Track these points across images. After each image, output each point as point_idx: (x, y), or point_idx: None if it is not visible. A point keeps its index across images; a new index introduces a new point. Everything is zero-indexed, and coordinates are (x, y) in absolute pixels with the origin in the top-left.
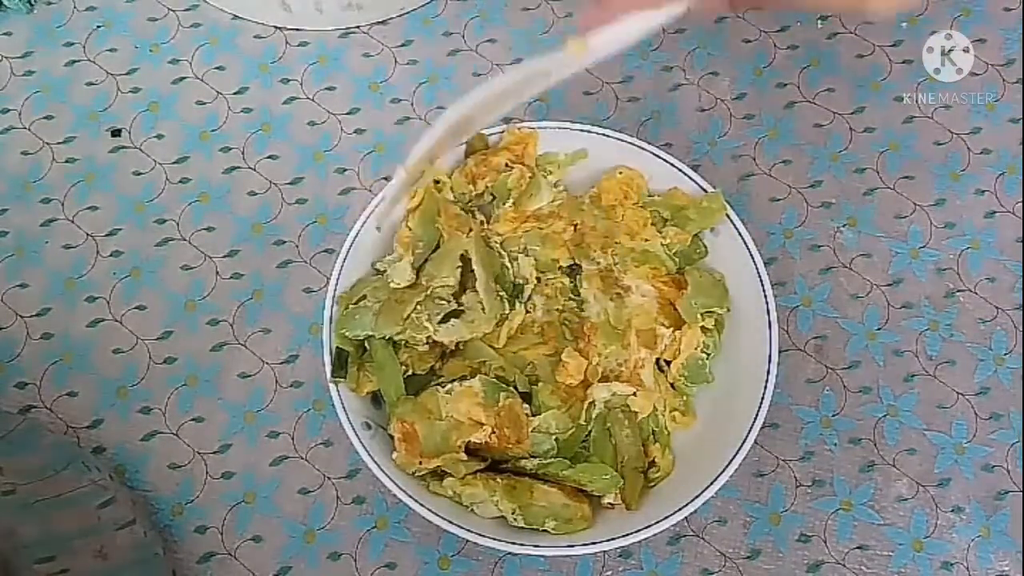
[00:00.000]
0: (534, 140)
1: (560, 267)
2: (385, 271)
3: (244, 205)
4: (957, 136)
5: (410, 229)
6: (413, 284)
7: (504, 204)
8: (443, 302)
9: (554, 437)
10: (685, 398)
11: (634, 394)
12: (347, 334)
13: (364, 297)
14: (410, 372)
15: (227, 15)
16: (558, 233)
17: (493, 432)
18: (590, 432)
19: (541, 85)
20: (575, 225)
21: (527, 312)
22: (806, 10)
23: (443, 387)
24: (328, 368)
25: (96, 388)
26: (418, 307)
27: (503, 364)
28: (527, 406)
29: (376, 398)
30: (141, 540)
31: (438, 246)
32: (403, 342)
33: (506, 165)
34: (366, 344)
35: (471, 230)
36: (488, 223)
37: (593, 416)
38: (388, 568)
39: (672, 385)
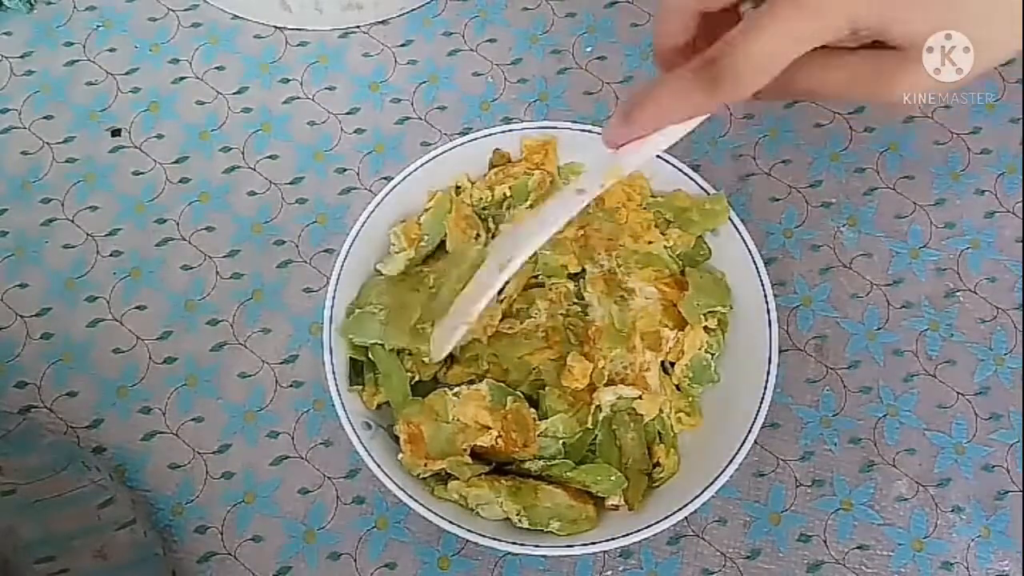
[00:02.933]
0: (553, 147)
1: (568, 273)
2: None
3: (244, 205)
4: (957, 136)
5: (419, 225)
6: (418, 288)
7: (520, 204)
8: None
9: (561, 441)
10: (690, 399)
11: (640, 397)
12: (354, 340)
13: (370, 303)
14: (416, 379)
15: (227, 15)
16: (569, 239)
17: (499, 436)
18: (596, 436)
19: (578, 205)
20: (582, 229)
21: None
22: (827, 99)
23: (451, 390)
24: (329, 368)
25: (96, 388)
26: (424, 313)
27: (497, 359)
28: (534, 410)
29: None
30: (141, 540)
31: (442, 244)
32: (408, 350)
33: (525, 174)
34: (369, 354)
35: (478, 235)
36: (498, 228)
37: (599, 419)
38: (388, 568)
39: (677, 386)
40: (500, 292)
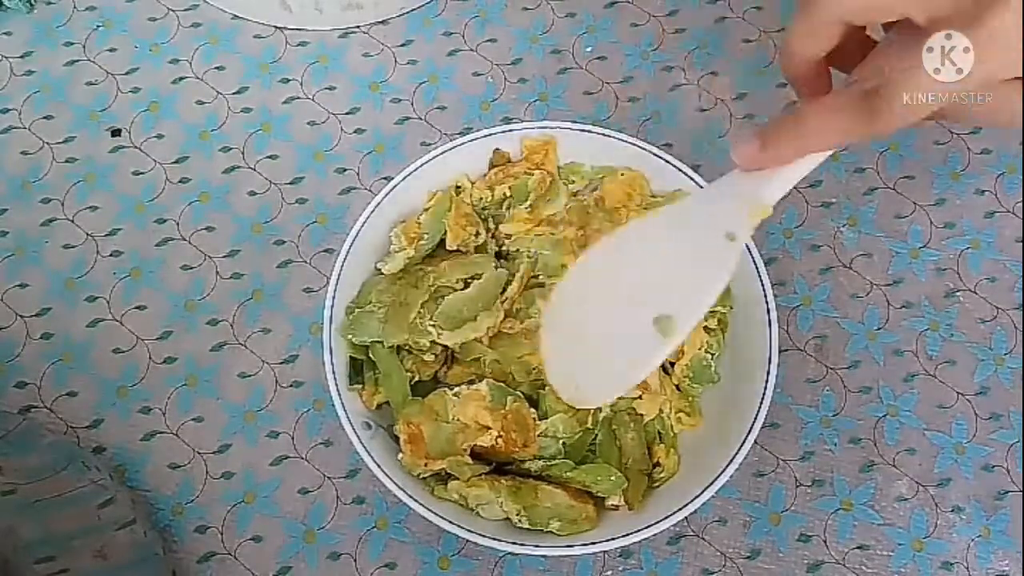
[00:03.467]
0: (553, 147)
1: None
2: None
3: (244, 205)
4: (957, 136)
5: (419, 224)
6: (418, 285)
7: (520, 205)
8: (442, 300)
9: (561, 441)
10: (691, 399)
11: (640, 397)
12: (353, 339)
13: (370, 301)
14: (416, 379)
15: (227, 15)
16: (569, 239)
17: (499, 436)
18: (596, 436)
19: (735, 253)
20: (582, 229)
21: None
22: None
23: (451, 390)
24: (329, 368)
25: (96, 388)
26: (422, 310)
27: (499, 359)
28: (534, 410)
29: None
30: (141, 540)
31: (442, 242)
32: (407, 348)
33: (526, 173)
34: (370, 353)
35: (478, 233)
36: (498, 228)
37: (599, 419)
38: (388, 568)
39: (677, 387)
40: (504, 292)
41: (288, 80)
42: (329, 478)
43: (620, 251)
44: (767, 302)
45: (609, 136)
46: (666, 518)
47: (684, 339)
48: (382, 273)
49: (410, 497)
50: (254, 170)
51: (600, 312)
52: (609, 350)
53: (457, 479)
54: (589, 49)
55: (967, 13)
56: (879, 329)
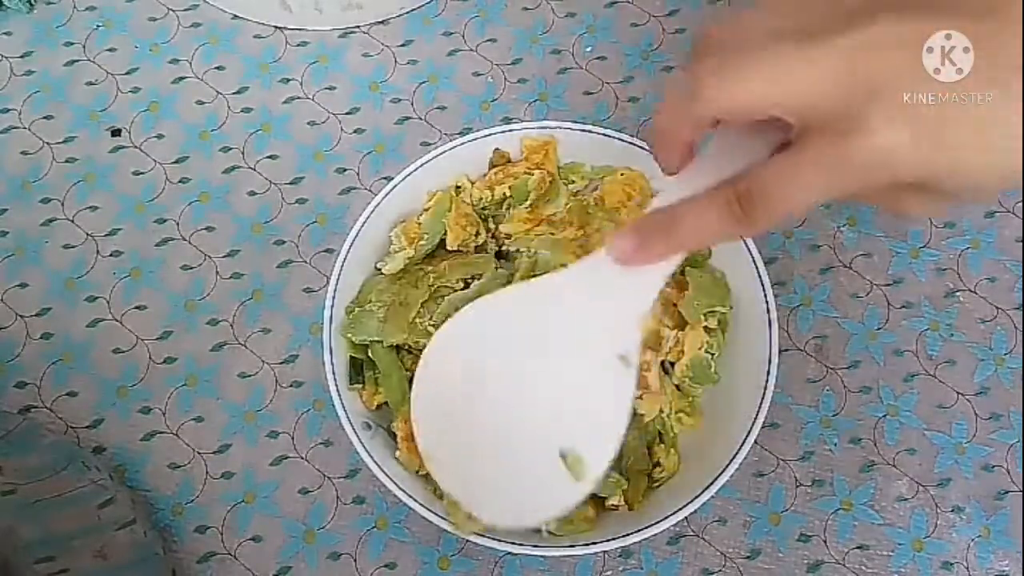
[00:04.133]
0: (553, 147)
1: None
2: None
3: (244, 205)
4: None
5: (419, 225)
6: (418, 284)
7: (520, 205)
8: (442, 300)
9: None
10: (691, 399)
11: (640, 397)
12: (353, 339)
13: (370, 301)
14: None
15: (227, 15)
16: (569, 239)
17: None
18: None
19: (632, 376)
20: (582, 229)
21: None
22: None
23: None
24: (329, 368)
25: (96, 388)
26: (422, 310)
27: None
28: None
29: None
30: (141, 540)
31: (442, 242)
32: (407, 347)
33: (526, 173)
34: (369, 353)
35: (478, 233)
36: (498, 228)
37: None
38: (388, 568)
39: (677, 387)
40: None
41: (288, 80)
42: (329, 478)
43: (502, 342)
44: (767, 302)
45: (609, 136)
46: (666, 518)
47: (596, 483)
48: (382, 273)
49: (410, 497)
50: (254, 170)
51: (491, 419)
52: (511, 474)
53: None
54: (589, 49)
55: (843, 128)
56: (879, 329)
